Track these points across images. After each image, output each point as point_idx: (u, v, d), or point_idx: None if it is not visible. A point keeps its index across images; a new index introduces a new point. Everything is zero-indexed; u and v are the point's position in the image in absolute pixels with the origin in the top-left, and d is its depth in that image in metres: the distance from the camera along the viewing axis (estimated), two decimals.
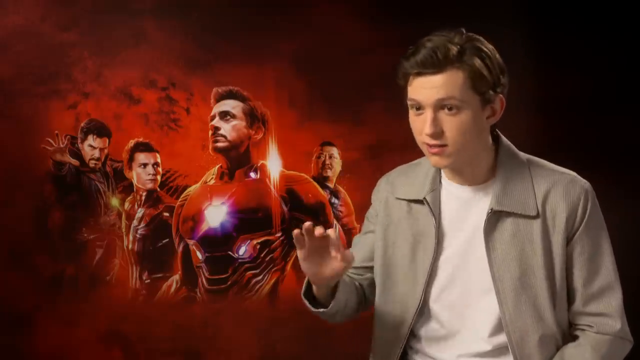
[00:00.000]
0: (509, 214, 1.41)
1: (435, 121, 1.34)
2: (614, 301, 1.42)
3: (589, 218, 1.41)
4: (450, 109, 1.33)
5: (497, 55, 1.38)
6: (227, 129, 3.03)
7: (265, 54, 2.99)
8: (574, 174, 1.46)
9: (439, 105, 1.34)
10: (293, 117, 3.05)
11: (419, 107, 1.37)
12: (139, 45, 2.98)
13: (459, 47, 1.33)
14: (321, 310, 1.51)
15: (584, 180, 1.45)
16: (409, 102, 1.40)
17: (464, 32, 1.37)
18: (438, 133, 1.35)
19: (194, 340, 3.05)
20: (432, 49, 1.32)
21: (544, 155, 1.52)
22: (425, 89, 1.34)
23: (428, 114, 1.35)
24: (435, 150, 1.37)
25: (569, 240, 1.41)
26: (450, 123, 1.34)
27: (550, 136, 2.75)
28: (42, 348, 2.99)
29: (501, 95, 1.39)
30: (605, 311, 1.41)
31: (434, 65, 1.32)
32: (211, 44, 2.98)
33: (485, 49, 1.36)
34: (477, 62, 1.33)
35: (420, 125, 1.37)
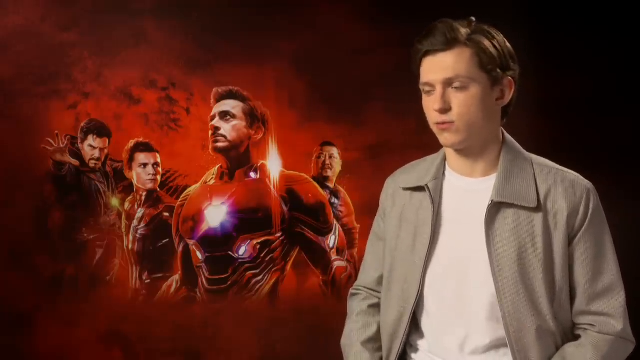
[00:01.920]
0: (510, 206, 1.41)
1: (444, 97, 1.39)
2: (616, 301, 1.42)
3: (592, 217, 1.41)
4: (457, 86, 1.38)
5: (508, 44, 1.44)
6: (227, 129, 3.03)
7: (265, 54, 2.99)
8: (577, 174, 1.46)
9: (448, 83, 1.39)
10: (293, 117, 3.05)
11: (429, 90, 1.42)
12: (139, 45, 2.98)
13: (468, 29, 1.40)
14: None
15: (587, 181, 1.45)
16: (421, 87, 1.44)
17: (473, 19, 1.43)
18: (445, 109, 1.39)
19: (194, 340, 3.05)
20: (442, 29, 1.39)
21: (545, 156, 1.52)
22: (434, 68, 1.39)
23: (437, 91, 1.40)
24: (444, 126, 1.40)
25: (571, 239, 1.41)
26: (458, 99, 1.39)
27: (551, 137, 2.75)
28: (42, 348, 2.99)
29: (510, 79, 1.43)
30: (607, 311, 1.41)
31: (443, 43, 1.38)
32: (211, 44, 2.98)
33: (494, 33, 1.42)
34: (485, 41, 1.40)
35: (431, 105, 1.41)
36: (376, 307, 1.64)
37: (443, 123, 1.40)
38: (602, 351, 1.40)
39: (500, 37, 1.43)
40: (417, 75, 1.45)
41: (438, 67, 1.39)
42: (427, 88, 1.42)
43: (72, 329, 3.00)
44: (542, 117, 2.81)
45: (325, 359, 3.02)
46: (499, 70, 1.40)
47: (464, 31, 1.38)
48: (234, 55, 2.99)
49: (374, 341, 1.61)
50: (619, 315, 1.42)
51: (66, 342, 3.00)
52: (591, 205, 1.41)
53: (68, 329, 3.00)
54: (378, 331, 1.61)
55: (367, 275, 1.68)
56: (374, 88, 3.00)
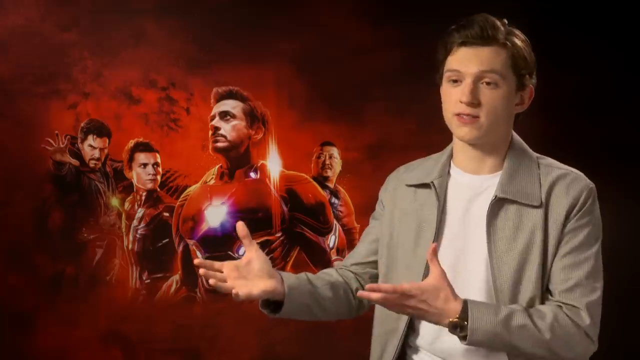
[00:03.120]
0: (513, 203, 1.41)
1: (474, 91, 1.37)
2: (587, 299, 1.38)
3: (585, 213, 1.41)
4: (489, 83, 1.38)
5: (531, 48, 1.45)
6: (227, 129, 3.03)
7: (265, 54, 2.99)
8: (581, 173, 1.47)
9: (480, 77, 1.38)
10: (293, 117, 3.05)
11: (456, 80, 1.40)
12: (139, 45, 2.98)
13: (505, 29, 1.40)
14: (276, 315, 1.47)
15: (589, 180, 1.45)
16: (446, 74, 1.42)
17: (506, 21, 1.43)
18: (474, 102, 1.37)
19: (194, 340, 3.05)
20: (484, 23, 1.38)
21: (544, 155, 1.52)
22: (469, 59, 1.38)
23: (467, 83, 1.38)
24: (467, 120, 1.39)
25: (563, 235, 1.40)
26: (488, 96, 1.38)
27: (550, 136, 2.75)
28: (42, 348, 2.99)
29: (532, 87, 1.44)
30: (577, 305, 1.37)
31: (482, 37, 1.38)
32: (211, 44, 2.98)
33: (525, 38, 1.43)
34: (521, 44, 1.40)
35: (457, 95, 1.39)
36: (343, 272, 1.61)
37: (467, 115, 1.38)
38: (555, 328, 1.34)
39: (528, 41, 1.43)
40: (439, 63, 1.44)
41: (474, 59, 1.38)
42: (454, 77, 1.40)
43: (72, 329, 3.00)
44: (542, 116, 2.80)
45: (325, 359, 3.02)
46: (527, 76, 1.41)
47: (502, 30, 1.39)
48: (234, 56, 2.99)
49: (315, 278, 1.55)
50: (588, 313, 1.37)
51: (66, 342, 3.00)
52: (588, 203, 1.41)
53: (68, 329, 3.00)
54: (325, 280, 1.56)
55: (353, 253, 1.66)
56: (374, 88, 3.00)
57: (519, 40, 1.41)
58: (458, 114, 1.39)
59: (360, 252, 1.63)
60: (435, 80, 1.48)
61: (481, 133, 1.40)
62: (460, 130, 1.41)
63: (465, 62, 1.38)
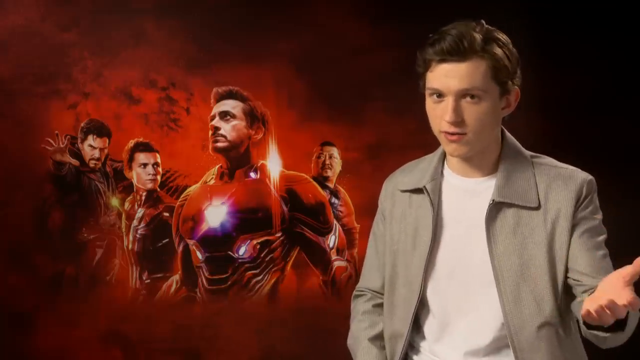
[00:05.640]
0: (511, 205, 1.41)
1: (457, 110, 1.35)
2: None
3: (590, 202, 1.42)
4: (472, 97, 1.35)
5: (513, 48, 1.40)
6: (227, 129, 3.03)
7: (265, 54, 3.00)
8: (576, 168, 1.47)
9: (461, 94, 1.35)
10: (293, 117, 3.05)
11: (439, 95, 1.38)
12: (139, 45, 2.98)
13: (482, 36, 1.35)
14: None
15: (586, 173, 1.45)
16: (428, 91, 1.40)
17: (484, 22, 1.39)
18: (458, 121, 1.36)
19: (194, 340, 3.05)
20: (458, 37, 1.34)
21: (545, 154, 1.52)
22: (448, 77, 1.35)
23: (449, 102, 1.35)
24: (454, 137, 1.37)
25: (573, 226, 1.40)
26: (471, 112, 1.36)
27: (551, 136, 2.75)
28: (42, 348, 2.99)
29: (517, 89, 1.42)
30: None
31: (459, 53, 1.33)
32: (211, 44, 2.99)
33: (504, 39, 1.39)
34: (499, 51, 1.36)
35: (440, 113, 1.38)
36: (381, 307, 1.63)
37: (453, 134, 1.37)
38: None
39: (509, 42, 1.40)
40: (420, 75, 1.42)
41: (453, 77, 1.34)
42: (436, 93, 1.38)
43: (72, 329, 3.01)
44: (542, 116, 2.81)
45: (325, 359, 3.02)
46: (510, 82, 1.39)
47: (479, 40, 1.34)
48: (233, 56, 3.00)
49: (381, 339, 1.60)
50: None
51: (66, 342, 3.00)
52: (591, 194, 1.42)
53: (68, 329, 3.00)
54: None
55: (370, 277, 1.66)
56: (374, 88, 3.00)
57: (498, 46, 1.36)
58: (446, 132, 1.38)
59: (380, 272, 1.61)
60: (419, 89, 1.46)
61: (469, 148, 1.39)
62: (448, 147, 1.41)
63: (445, 80, 1.35)
